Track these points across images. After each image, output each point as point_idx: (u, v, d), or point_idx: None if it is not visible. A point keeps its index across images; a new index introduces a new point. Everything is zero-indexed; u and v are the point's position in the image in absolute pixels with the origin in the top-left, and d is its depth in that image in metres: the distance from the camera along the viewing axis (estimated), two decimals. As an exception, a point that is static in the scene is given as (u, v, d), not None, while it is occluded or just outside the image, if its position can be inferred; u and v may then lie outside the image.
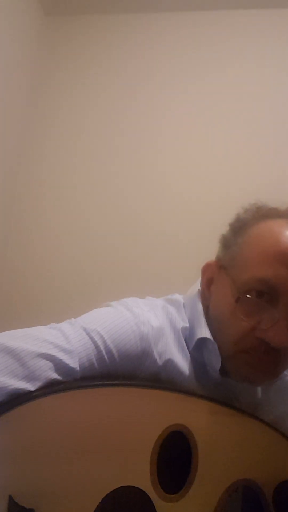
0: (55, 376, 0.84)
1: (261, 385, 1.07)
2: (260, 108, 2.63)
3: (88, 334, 0.91)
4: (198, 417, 0.93)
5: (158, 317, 1.02)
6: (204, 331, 1.01)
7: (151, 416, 0.89)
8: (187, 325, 1.05)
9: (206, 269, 1.08)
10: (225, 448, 0.95)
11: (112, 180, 2.66)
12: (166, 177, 2.61)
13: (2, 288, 2.56)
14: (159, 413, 0.90)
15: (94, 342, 0.90)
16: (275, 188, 2.30)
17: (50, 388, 0.83)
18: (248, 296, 0.94)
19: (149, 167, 2.65)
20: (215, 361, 1.00)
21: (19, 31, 2.66)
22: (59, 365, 0.85)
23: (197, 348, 1.02)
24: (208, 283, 1.07)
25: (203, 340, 1.01)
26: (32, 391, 0.81)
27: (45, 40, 2.91)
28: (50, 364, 0.84)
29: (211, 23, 2.78)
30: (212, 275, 1.06)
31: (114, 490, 0.83)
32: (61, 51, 2.92)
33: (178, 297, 1.12)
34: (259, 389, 1.09)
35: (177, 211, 2.55)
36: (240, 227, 1.04)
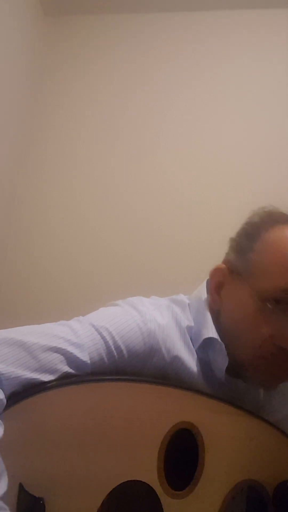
0: (66, 369, 0.85)
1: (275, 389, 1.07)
2: (261, 108, 2.64)
3: (97, 330, 0.92)
4: (206, 416, 0.94)
5: (164, 316, 1.02)
6: (211, 332, 1.01)
7: (160, 412, 0.89)
8: (193, 324, 1.05)
9: (216, 273, 1.07)
10: (232, 447, 0.95)
11: (113, 180, 2.65)
12: (168, 176, 2.61)
13: (2, 289, 2.55)
14: (168, 409, 0.91)
15: (103, 338, 0.91)
16: (277, 188, 2.31)
17: (62, 380, 0.83)
18: (269, 304, 0.94)
19: (150, 167, 2.64)
20: (221, 361, 1.00)
21: (18, 31, 2.65)
22: (70, 359, 0.86)
23: (202, 348, 1.03)
24: (217, 287, 1.06)
25: (209, 340, 1.01)
26: (44, 382, 0.81)
27: (44, 40, 2.90)
28: (61, 357, 0.85)
29: (211, 23, 2.79)
30: (222, 280, 1.05)
31: (121, 483, 0.83)
32: (60, 51, 2.91)
33: (183, 297, 1.12)
34: (261, 391, 1.09)
35: (179, 210, 2.54)
36: (254, 233, 1.03)
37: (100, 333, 0.91)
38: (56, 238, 2.60)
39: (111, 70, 2.82)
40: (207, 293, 1.09)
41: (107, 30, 2.89)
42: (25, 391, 0.78)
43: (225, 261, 1.06)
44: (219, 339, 1.00)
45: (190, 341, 1.03)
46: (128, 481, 0.84)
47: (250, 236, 1.03)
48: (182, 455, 0.91)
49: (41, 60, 2.86)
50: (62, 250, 2.58)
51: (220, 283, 1.05)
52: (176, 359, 0.98)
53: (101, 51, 2.85)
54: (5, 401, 0.75)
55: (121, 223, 2.57)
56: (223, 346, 0.99)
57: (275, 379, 1.00)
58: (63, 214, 2.63)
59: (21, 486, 0.74)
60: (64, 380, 0.83)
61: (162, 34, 2.83)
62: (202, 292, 1.10)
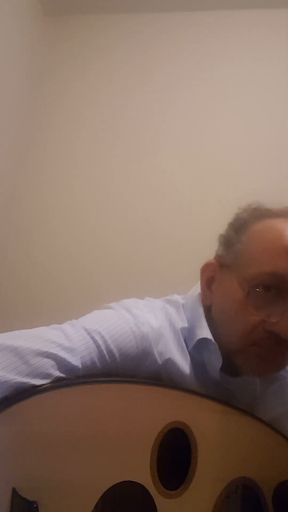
0: (57, 373, 0.85)
1: (269, 376, 1.08)
2: (261, 108, 2.65)
3: (89, 334, 0.92)
4: (198, 415, 0.94)
5: (158, 318, 1.03)
6: (205, 332, 1.02)
7: (152, 412, 0.90)
8: (187, 325, 1.06)
9: (206, 268, 1.09)
10: (225, 446, 0.95)
11: (113, 180, 2.66)
12: (168, 176, 2.61)
13: (2, 289, 2.55)
14: (160, 410, 0.91)
15: (95, 342, 0.92)
16: (276, 186, 2.31)
17: (53, 383, 0.84)
18: (257, 289, 0.96)
19: (150, 167, 2.65)
20: (216, 361, 1.01)
21: (18, 31, 2.66)
22: (61, 363, 0.86)
23: (196, 348, 1.03)
24: (208, 282, 1.08)
25: (203, 340, 1.02)
26: (36, 386, 0.82)
27: (44, 40, 2.90)
28: (52, 362, 0.85)
29: (211, 23, 2.79)
30: (213, 274, 1.07)
31: (115, 484, 0.83)
32: (60, 51, 2.92)
33: (177, 297, 1.13)
34: (257, 389, 1.09)
35: (179, 210, 2.55)
36: (241, 226, 1.05)
37: (92, 337, 0.91)
38: (56, 238, 2.61)
39: (111, 70, 2.82)
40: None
41: (107, 30, 2.89)
42: (17, 395, 0.79)
43: (215, 257, 1.09)
44: (213, 340, 1.01)
45: (183, 343, 1.04)
46: (121, 482, 0.84)
47: (237, 230, 1.05)
48: (175, 455, 0.91)
49: (41, 60, 2.87)
50: (62, 250, 2.58)
51: (211, 278, 1.07)
52: (169, 362, 0.99)
53: (101, 51, 2.86)
54: None
55: (121, 223, 2.58)
56: (217, 346, 1.00)
57: (267, 364, 1.00)
58: (63, 214, 2.64)
59: (14, 491, 0.75)
60: (55, 383, 0.84)
61: (162, 34, 2.83)
62: (196, 291, 1.11)
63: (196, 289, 1.12)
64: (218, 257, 1.08)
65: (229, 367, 1.02)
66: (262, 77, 2.70)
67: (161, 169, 2.64)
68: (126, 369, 0.94)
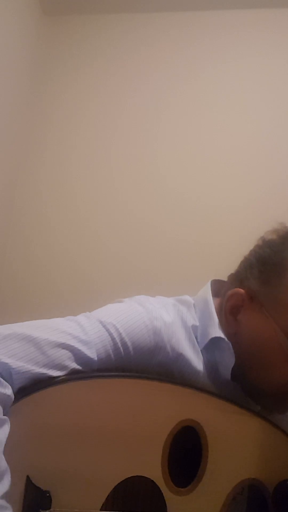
0: (74, 365, 0.86)
1: None
2: (261, 108, 2.64)
3: (104, 326, 0.92)
4: (210, 414, 0.94)
5: (170, 314, 1.03)
6: (217, 331, 1.01)
7: (165, 409, 0.90)
8: (198, 323, 1.05)
9: (233, 296, 1.04)
10: (235, 446, 0.96)
11: (113, 180, 2.65)
12: (168, 177, 2.61)
13: (2, 289, 2.55)
14: (173, 407, 0.92)
15: (110, 334, 0.92)
16: (277, 188, 2.31)
17: (69, 375, 0.85)
18: None
19: (149, 167, 2.64)
20: (228, 360, 1.00)
21: (17, 31, 2.65)
22: (78, 355, 0.87)
23: (208, 348, 1.03)
24: (233, 310, 1.04)
25: (216, 339, 1.01)
26: (52, 377, 0.83)
27: (43, 40, 2.89)
28: (69, 354, 0.86)
29: (211, 23, 2.78)
30: (241, 304, 1.03)
31: (126, 479, 0.84)
32: (59, 51, 2.91)
33: (188, 298, 1.12)
34: None
35: (179, 211, 2.54)
36: (281, 264, 1.01)
37: (107, 330, 0.92)
38: (56, 237, 2.60)
39: (111, 70, 2.82)
40: (212, 295, 1.09)
41: (106, 30, 2.89)
42: (34, 386, 0.80)
43: (244, 286, 1.04)
44: (226, 339, 1.00)
45: (195, 340, 1.03)
46: (132, 476, 0.85)
47: (277, 268, 1.01)
48: (186, 452, 0.92)
49: (41, 59, 2.86)
50: (62, 250, 2.58)
51: (238, 307, 1.03)
52: (181, 357, 0.99)
53: (101, 51, 2.85)
54: (13, 397, 0.77)
55: (120, 223, 2.57)
56: (230, 345, 1.00)
57: None
58: (62, 214, 2.63)
59: (28, 479, 0.76)
60: (71, 375, 0.85)
61: (162, 34, 2.83)
62: (207, 292, 1.10)
63: (206, 290, 1.11)
64: (249, 289, 1.03)
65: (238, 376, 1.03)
66: (262, 77, 2.69)
67: (161, 168, 2.63)
68: (138, 363, 0.94)
